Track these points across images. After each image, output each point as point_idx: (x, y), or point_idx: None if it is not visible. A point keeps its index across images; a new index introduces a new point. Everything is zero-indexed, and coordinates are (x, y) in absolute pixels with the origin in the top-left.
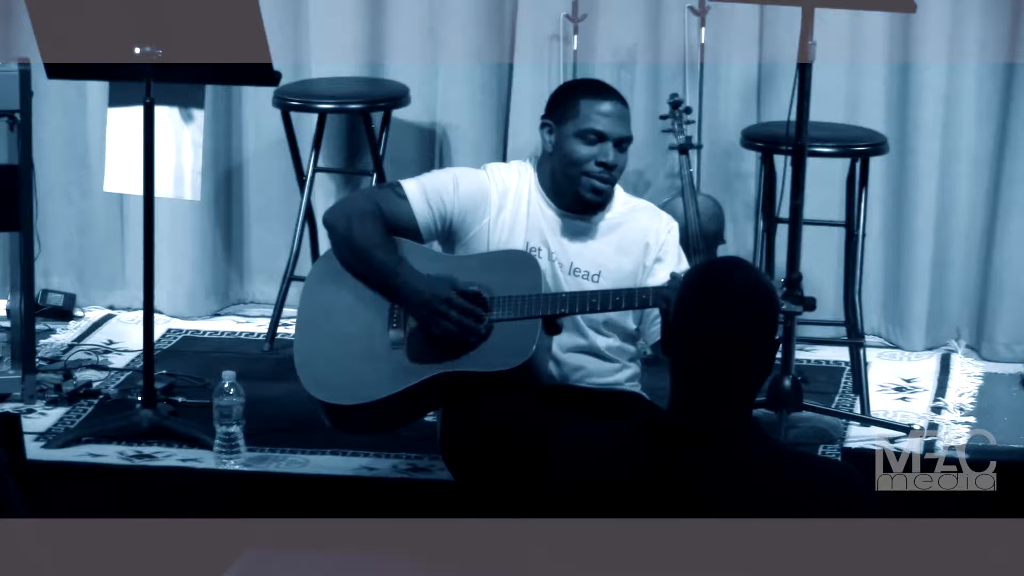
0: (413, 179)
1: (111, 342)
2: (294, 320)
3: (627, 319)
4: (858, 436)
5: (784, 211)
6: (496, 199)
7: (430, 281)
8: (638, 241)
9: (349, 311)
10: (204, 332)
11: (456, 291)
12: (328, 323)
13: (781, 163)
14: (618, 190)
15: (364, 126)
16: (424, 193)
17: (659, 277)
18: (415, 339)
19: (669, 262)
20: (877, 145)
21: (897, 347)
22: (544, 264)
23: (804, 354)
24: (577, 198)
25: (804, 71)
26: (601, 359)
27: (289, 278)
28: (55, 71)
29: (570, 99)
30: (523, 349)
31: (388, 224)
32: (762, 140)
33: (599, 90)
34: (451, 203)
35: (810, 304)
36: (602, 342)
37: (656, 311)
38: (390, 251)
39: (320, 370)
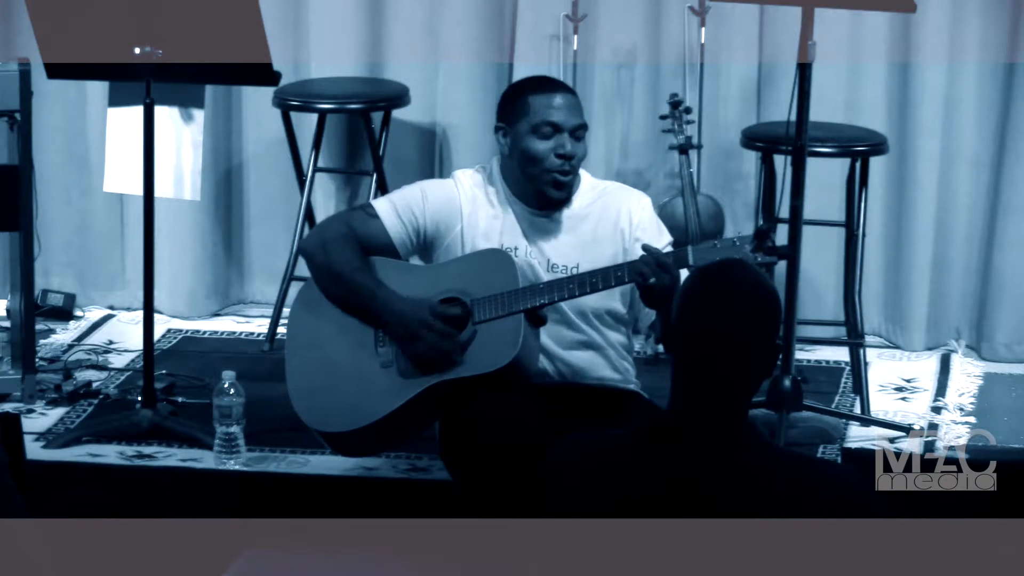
0: (382, 198)
1: (111, 342)
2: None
3: (613, 304)
4: (858, 436)
5: (784, 211)
6: (467, 206)
7: (409, 303)
8: (611, 226)
9: (336, 337)
10: (204, 332)
11: (436, 306)
12: (317, 352)
13: (781, 163)
14: (585, 176)
15: (364, 126)
16: (395, 209)
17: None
18: (404, 356)
19: (649, 239)
20: (877, 145)
21: (897, 347)
22: (521, 262)
23: (804, 354)
24: (541, 196)
25: (804, 71)
26: (595, 351)
27: (289, 278)
28: (55, 71)
29: (518, 98)
30: (510, 345)
31: (364, 245)
32: (762, 140)
33: (545, 84)
34: (422, 215)
35: (783, 252)
36: (591, 334)
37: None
38: (368, 274)
39: (315, 402)
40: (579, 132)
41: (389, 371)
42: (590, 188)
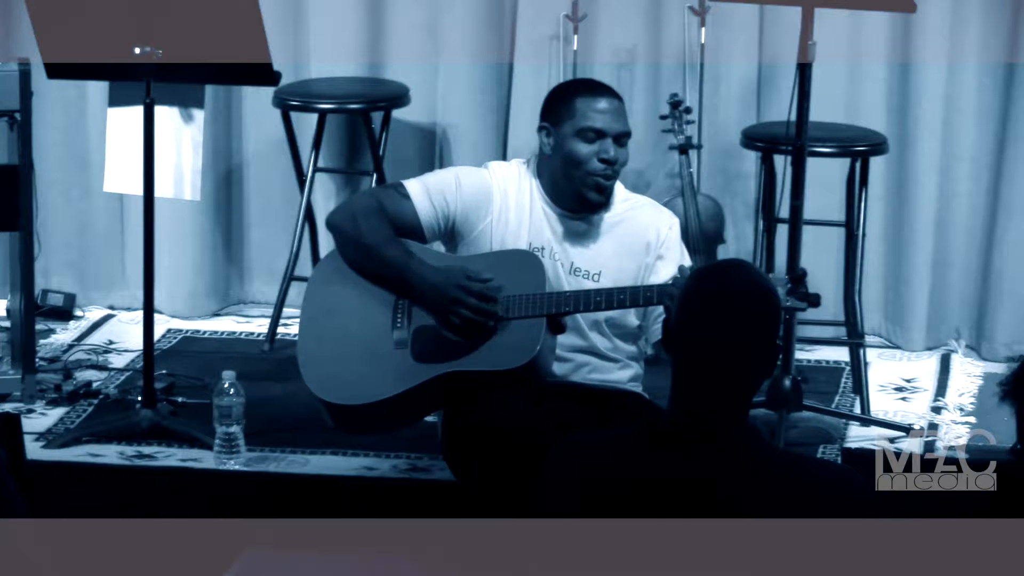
0: (415, 179)
1: (111, 342)
2: (294, 320)
3: (629, 317)
4: (858, 436)
5: (784, 211)
6: (498, 198)
7: (442, 272)
8: (639, 240)
9: (353, 311)
10: (204, 332)
11: (467, 272)
12: (331, 323)
13: (781, 163)
14: (618, 187)
15: (364, 126)
16: (427, 192)
17: (661, 275)
18: (419, 338)
19: (670, 259)
20: (877, 145)
21: (897, 347)
22: (546, 263)
23: (804, 354)
24: (580, 199)
25: (804, 71)
26: (601, 359)
27: (289, 278)
28: (55, 71)
29: (565, 100)
30: (528, 347)
31: (392, 224)
32: (762, 140)
33: (593, 88)
34: (454, 202)
35: (814, 300)
36: (601, 343)
37: (660, 309)
38: (399, 247)
39: (324, 370)
40: (623, 139)
41: (403, 352)
42: (622, 199)
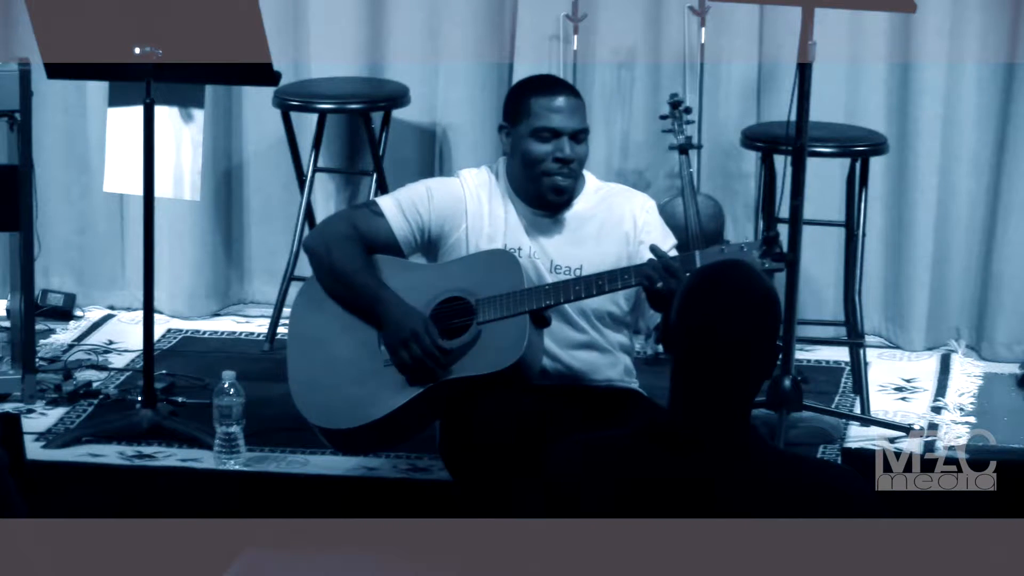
0: (387, 195)
1: (111, 342)
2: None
3: (616, 304)
4: (858, 436)
5: (784, 211)
6: (472, 204)
7: (406, 311)
8: (615, 229)
9: (339, 334)
10: (204, 332)
11: (434, 317)
12: (319, 349)
13: (781, 163)
14: (589, 177)
15: (364, 126)
16: (400, 207)
17: (647, 258)
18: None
19: (653, 240)
20: (877, 145)
21: (897, 347)
22: (525, 263)
23: (804, 354)
24: (541, 197)
25: (804, 71)
26: (597, 351)
27: (289, 278)
28: (55, 71)
29: (521, 99)
30: (514, 346)
31: (367, 243)
32: (762, 140)
33: (548, 85)
34: (427, 214)
35: (790, 259)
36: (595, 333)
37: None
38: (371, 275)
39: (317, 397)
40: (580, 136)
41: (391, 369)
42: (594, 190)
